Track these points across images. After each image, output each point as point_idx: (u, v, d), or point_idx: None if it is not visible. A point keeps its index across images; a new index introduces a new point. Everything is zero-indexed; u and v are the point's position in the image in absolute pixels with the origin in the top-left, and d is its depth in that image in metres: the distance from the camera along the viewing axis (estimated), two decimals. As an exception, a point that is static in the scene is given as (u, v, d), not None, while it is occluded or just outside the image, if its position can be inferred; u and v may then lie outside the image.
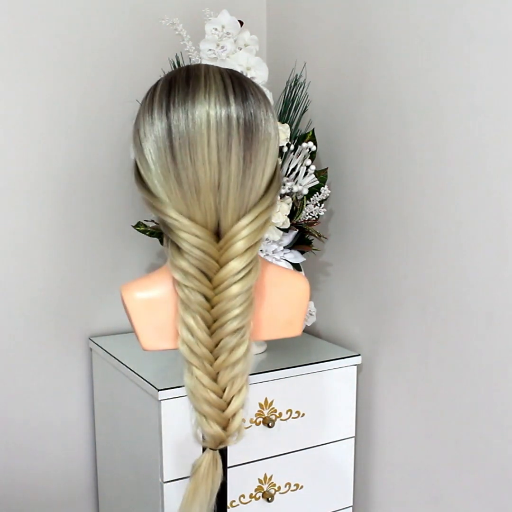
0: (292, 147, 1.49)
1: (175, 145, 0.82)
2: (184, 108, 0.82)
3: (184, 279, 0.83)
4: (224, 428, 0.87)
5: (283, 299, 0.93)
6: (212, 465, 0.88)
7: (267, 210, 0.86)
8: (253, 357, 0.87)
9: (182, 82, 0.84)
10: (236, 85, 0.85)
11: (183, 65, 1.53)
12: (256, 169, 0.84)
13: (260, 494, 1.52)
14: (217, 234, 0.85)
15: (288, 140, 1.49)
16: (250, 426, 1.47)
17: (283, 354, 1.59)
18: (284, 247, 1.50)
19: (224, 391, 0.86)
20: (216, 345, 0.85)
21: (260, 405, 1.48)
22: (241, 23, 1.46)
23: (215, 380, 0.85)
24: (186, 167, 0.82)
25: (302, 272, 1.56)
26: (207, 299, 0.84)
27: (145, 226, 1.56)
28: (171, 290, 0.88)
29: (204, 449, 0.92)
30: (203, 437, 0.88)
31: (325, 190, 1.53)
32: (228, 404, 0.86)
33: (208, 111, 0.81)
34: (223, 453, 0.97)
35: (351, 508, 1.67)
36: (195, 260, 0.83)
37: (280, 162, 1.49)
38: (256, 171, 0.84)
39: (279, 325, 0.94)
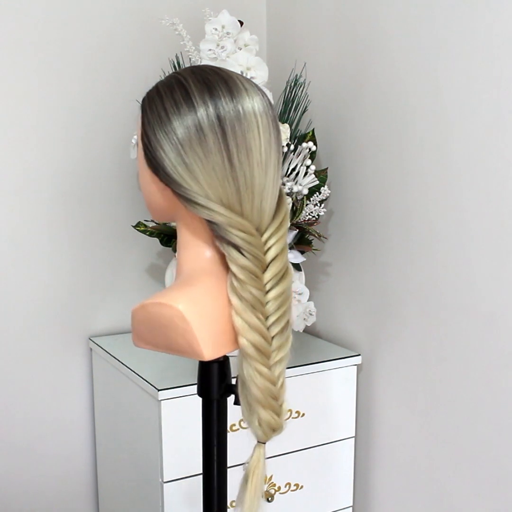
0: (292, 147, 1.49)
1: (231, 145, 0.82)
2: (234, 107, 0.83)
3: (241, 273, 0.84)
4: (278, 417, 0.92)
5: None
6: (262, 458, 0.92)
7: (288, 212, 0.90)
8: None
9: (221, 84, 0.84)
10: (255, 86, 0.87)
11: (183, 65, 1.54)
12: (281, 170, 0.88)
13: (260, 494, 1.52)
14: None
15: (288, 140, 1.49)
16: (250, 426, 1.47)
17: (283, 354, 1.59)
18: (284, 247, 1.50)
19: (277, 382, 0.90)
20: (274, 339, 0.88)
21: (260, 405, 1.48)
22: (241, 23, 1.46)
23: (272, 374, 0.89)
24: (244, 168, 0.84)
25: (302, 272, 1.56)
26: (262, 294, 0.87)
27: (145, 226, 1.56)
28: (217, 294, 0.87)
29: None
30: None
31: (325, 190, 1.53)
32: (279, 397, 0.92)
33: (254, 108, 0.84)
34: (223, 452, 0.98)
35: (351, 508, 1.67)
36: (250, 255, 0.85)
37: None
38: (281, 173, 0.88)
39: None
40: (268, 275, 0.86)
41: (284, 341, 0.89)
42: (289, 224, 0.90)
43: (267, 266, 0.86)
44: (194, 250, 0.90)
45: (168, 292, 0.87)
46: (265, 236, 0.86)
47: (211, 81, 0.84)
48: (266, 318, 0.87)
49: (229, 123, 0.82)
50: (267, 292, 0.86)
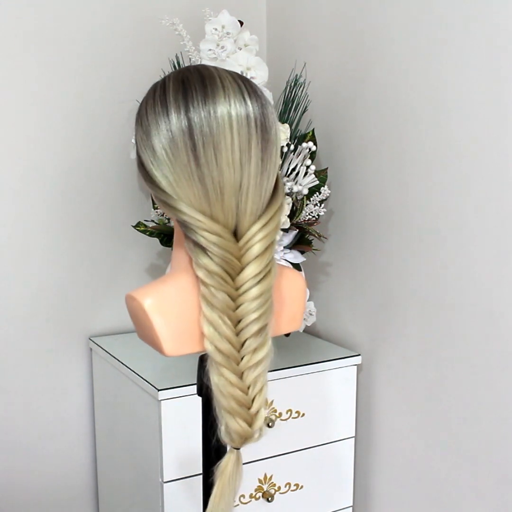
0: (292, 147, 1.49)
1: (198, 145, 0.82)
2: (206, 108, 0.82)
3: (208, 278, 0.84)
4: (250, 425, 0.88)
5: (285, 295, 0.95)
6: (236, 465, 0.90)
7: (279, 211, 0.87)
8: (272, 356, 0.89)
9: (198, 82, 0.84)
10: (248, 86, 0.86)
11: (183, 65, 1.54)
12: (270, 170, 0.86)
13: (260, 494, 1.52)
14: (235, 236, 0.86)
15: (288, 140, 1.49)
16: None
17: (283, 354, 1.59)
18: (284, 247, 1.50)
19: (248, 389, 0.87)
20: (242, 345, 0.86)
21: (260, 405, 1.48)
22: (241, 23, 1.46)
23: (241, 379, 0.87)
24: (211, 168, 0.82)
25: (302, 272, 1.56)
26: (232, 299, 0.85)
27: (145, 226, 1.56)
28: (189, 292, 0.88)
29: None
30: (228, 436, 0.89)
31: (325, 190, 1.53)
32: (252, 402, 0.87)
33: (229, 111, 0.82)
34: (223, 452, 0.97)
35: (351, 508, 1.67)
36: (218, 259, 0.83)
37: (280, 162, 1.49)
38: (270, 172, 0.86)
39: (284, 321, 0.95)
40: (244, 275, 0.84)
41: (261, 343, 0.86)
42: (280, 222, 0.88)
43: (245, 267, 0.84)
44: (181, 248, 0.90)
45: (144, 287, 0.89)
46: (248, 235, 0.85)
47: (189, 80, 0.85)
48: (239, 321, 0.85)
49: (197, 123, 0.82)
50: (243, 293, 0.84)
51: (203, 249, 0.83)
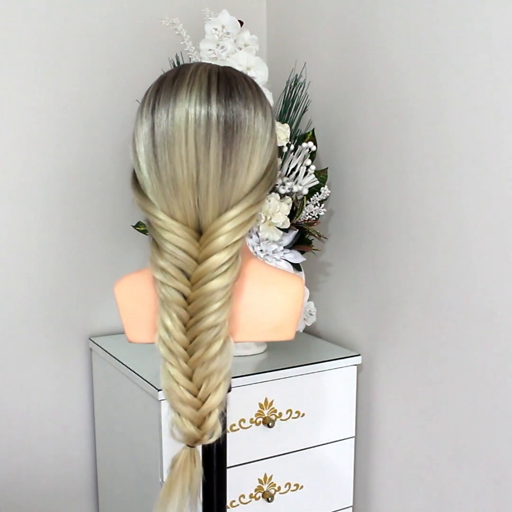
0: (292, 147, 1.49)
1: (156, 143, 0.83)
2: (166, 107, 0.83)
3: (164, 278, 0.84)
4: (199, 426, 0.86)
5: (272, 302, 0.91)
6: (189, 461, 0.88)
7: (250, 208, 0.86)
8: (232, 355, 0.86)
9: (169, 81, 0.86)
10: (222, 83, 0.85)
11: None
12: (238, 167, 0.84)
13: (260, 494, 1.52)
14: (199, 232, 0.85)
15: (288, 140, 1.49)
16: (250, 426, 1.47)
17: (283, 354, 1.59)
18: (284, 247, 1.50)
19: (200, 388, 0.85)
20: (191, 341, 0.85)
21: (260, 405, 1.48)
22: (241, 23, 1.46)
23: (190, 378, 0.85)
24: (165, 165, 0.83)
25: (302, 272, 1.56)
26: (184, 296, 0.84)
27: (145, 226, 1.56)
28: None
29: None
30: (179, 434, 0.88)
31: (325, 190, 1.53)
32: (204, 402, 0.85)
33: (187, 110, 0.82)
34: (223, 452, 0.97)
35: (351, 508, 1.67)
36: (175, 259, 0.83)
37: (280, 162, 1.49)
38: (237, 169, 0.84)
39: (267, 328, 0.91)
40: (198, 271, 0.83)
41: (214, 340, 0.84)
42: (252, 219, 0.86)
43: (202, 262, 0.83)
44: None
45: (127, 274, 0.94)
46: (208, 231, 0.84)
47: (165, 79, 0.87)
48: (192, 316, 0.84)
49: (159, 118, 0.83)
50: (196, 289, 0.84)
51: (160, 249, 0.85)
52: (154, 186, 0.85)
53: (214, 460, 0.98)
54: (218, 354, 0.85)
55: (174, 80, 0.85)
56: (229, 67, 0.90)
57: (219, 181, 0.84)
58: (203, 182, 0.83)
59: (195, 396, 0.85)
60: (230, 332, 0.86)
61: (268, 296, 0.91)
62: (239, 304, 0.88)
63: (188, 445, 0.88)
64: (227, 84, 0.85)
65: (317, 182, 1.52)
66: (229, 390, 0.89)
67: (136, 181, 0.88)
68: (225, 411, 0.87)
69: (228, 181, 0.84)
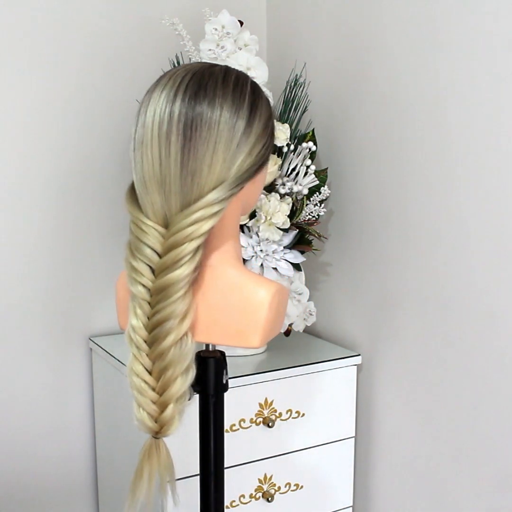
0: (292, 147, 1.49)
1: (136, 143, 0.88)
2: (144, 108, 0.87)
3: (127, 268, 0.88)
4: (156, 419, 0.88)
5: (235, 306, 0.89)
6: (153, 449, 0.90)
7: (211, 205, 0.86)
8: (192, 351, 0.87)
9: (156, 81, 0.90)
10: (192, 82, 0.86)
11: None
12: (197, 165, 0.85)
13: (260, 494, 1.52)
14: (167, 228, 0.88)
15: (288, 140, 1.49)
16: (250, 426, 1.47)
17: (283, 354, 1.59)
18: (284, 247, 1.50)
19: (158, 381, 0.87)
20: (150, 333, 0.87)
21: (260, 405, 1.48)
22: (241, 23, 1.46)
23: (150, 371, 0.87)
24: (137, 163, 0.87)
25: (302, 272, 1.56)
26: (148, 290, 0.87)
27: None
28: None
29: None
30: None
31: (325, 190, 1.53)
32: (161, 395, 0.87)
33: (155, 109, 0.86)
34: (221, 451, 0.97)
35: (351, 508, 1.67)
36: (143, 256, 0.87)
37: (280, 162, 1.49)
38: (196, 168, 0.85)
39: (229, 332, 0.89)
40: (159, 264, 0.86)
41: (167, 331, 0.85)
42: (214, 215, 0.86)
43: (162, 258, 0.86)
44: None
45: None
46: (169, 227, 0.86)
47: (158, 80, 0.90)
48: (152, 309, 0.87)
49: (139, 118, 0.88)
50: (154, 283, 0.86)
51: (131, 247, 0.88)
52: (136, 185, 0.89)
53: (212, 460, 0.98)
54: (173, 346, 0.86)
55: (158, 82, 0.89)
56: (226, 66, 0.91)
57: (179, 179, 0.86)
58: (166, 180, 0.86)
59: (153, 388, 0.87)
60: (191, 329, 0.88)
61: (231, 300, 0.89)
62: (202, 304, 0.89)
63: (152, 436, 0.90)
64: (197, 83, 0.86)
65: (317, 182, 1.52)
66: (198, 391, 0.91)
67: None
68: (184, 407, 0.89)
69: (187, 179, 0.86)
